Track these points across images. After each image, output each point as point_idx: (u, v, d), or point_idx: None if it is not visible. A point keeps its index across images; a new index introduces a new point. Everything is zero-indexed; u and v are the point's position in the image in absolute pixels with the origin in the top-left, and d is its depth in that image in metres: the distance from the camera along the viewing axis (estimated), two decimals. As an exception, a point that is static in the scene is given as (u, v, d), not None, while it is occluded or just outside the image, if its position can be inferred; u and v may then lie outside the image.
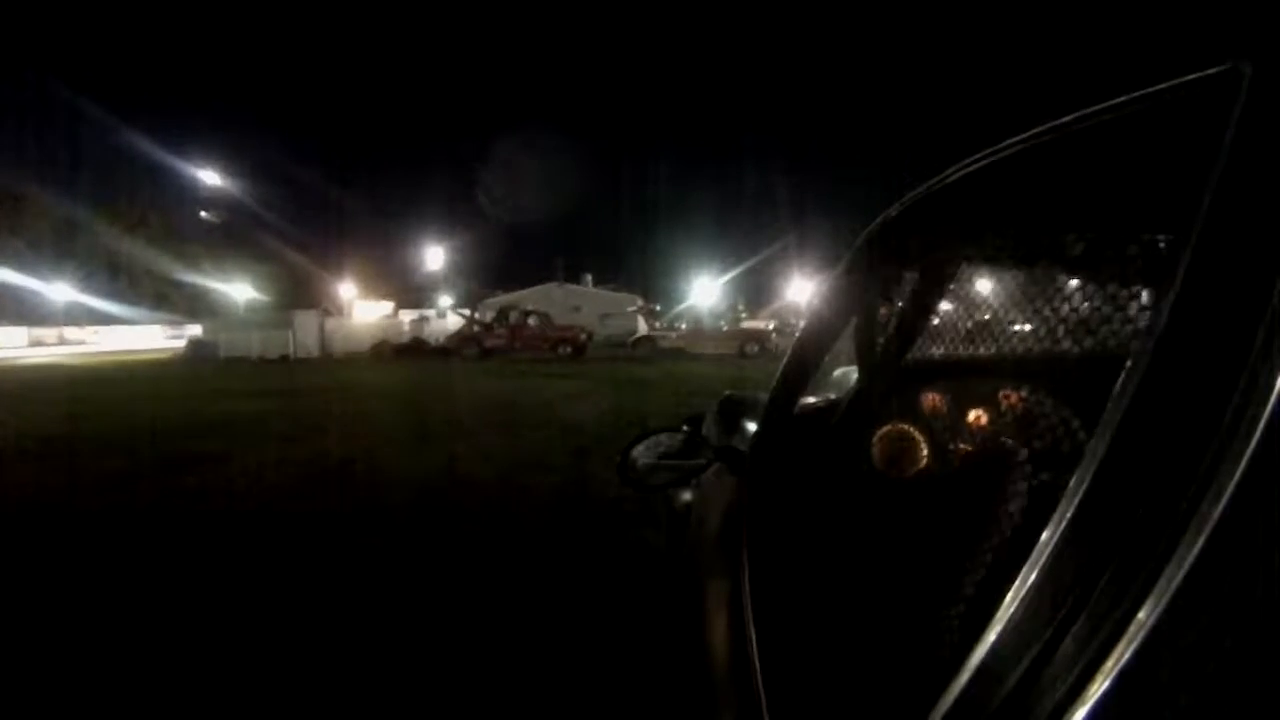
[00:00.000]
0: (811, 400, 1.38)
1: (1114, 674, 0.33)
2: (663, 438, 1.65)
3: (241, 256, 28.41)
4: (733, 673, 0.88)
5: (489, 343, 18.77)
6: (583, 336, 19.12)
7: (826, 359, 1.24)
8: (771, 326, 24.43)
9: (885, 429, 1.01)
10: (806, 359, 1.21)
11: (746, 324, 26.54)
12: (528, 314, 19.80)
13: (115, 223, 28.38)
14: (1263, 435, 0.33)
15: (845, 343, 1.23)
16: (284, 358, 19.23)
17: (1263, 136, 0.39)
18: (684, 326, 23.12)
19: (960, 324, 0.96)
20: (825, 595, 0.87)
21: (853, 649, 0.74)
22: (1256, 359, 0.35)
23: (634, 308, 23.79)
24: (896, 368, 1.10)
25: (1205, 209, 0.39)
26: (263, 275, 27.84)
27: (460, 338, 19.61)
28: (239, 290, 26.72)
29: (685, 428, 2.00)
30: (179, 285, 27.35)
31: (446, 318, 23.58)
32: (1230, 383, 0.35)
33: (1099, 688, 0.34)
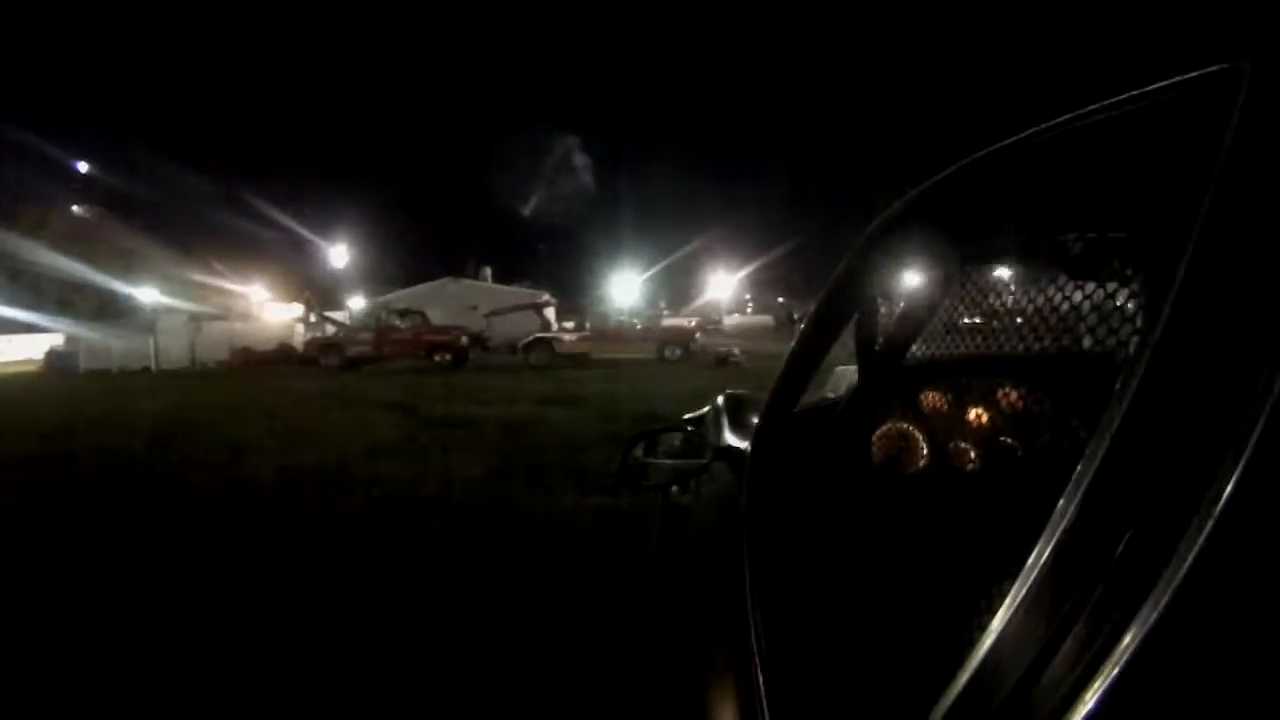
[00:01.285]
0: (811, 400, 1.38)
1: (1114, 674, 0.33)
2: (663, 437, 1.65)
3: (153, 259, 25.96)
4: (733, 672, 0.88)
5: (353, 350, 15.90)
6: (463, 340, 16.37)
7: (826, 359, 1.24)
8: (694, 324, 21.08)
9: (885, 428, 1.01)
10: (807, 359, 1.21)
11: (669, 321, 22.75)
12: (403, 314, 16.98)
13: (14, 226, 25.54)
14: (1262, 435, 0.33)
15: (845, 342, 1.23)
16: (145, 369, 16.80)
17: (1263, 136, 0.39)
18: (588, 326, 19.30)
19: (960, 324, 0.96)
20: (826, 594, 0.87)
21: (854, 648, 0.75)
22: (1256, 359, 0.35)
23: (530, 303, 19.59)
24: (896, 367, 1.10)
25: (1205, 208, 0.38)
26: (171, 279, 24.79)
27: (321, 345, 16.64)
28: (147, 294, 23.54)
29: (686, 426, 2.00)
30: (82, 289, 24.46)
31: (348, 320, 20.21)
32: (1230, 383, 0.35)
33: (1099, 688, 0.34)
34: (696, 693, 1.09)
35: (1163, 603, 0.33)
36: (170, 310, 20.83)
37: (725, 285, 39.50)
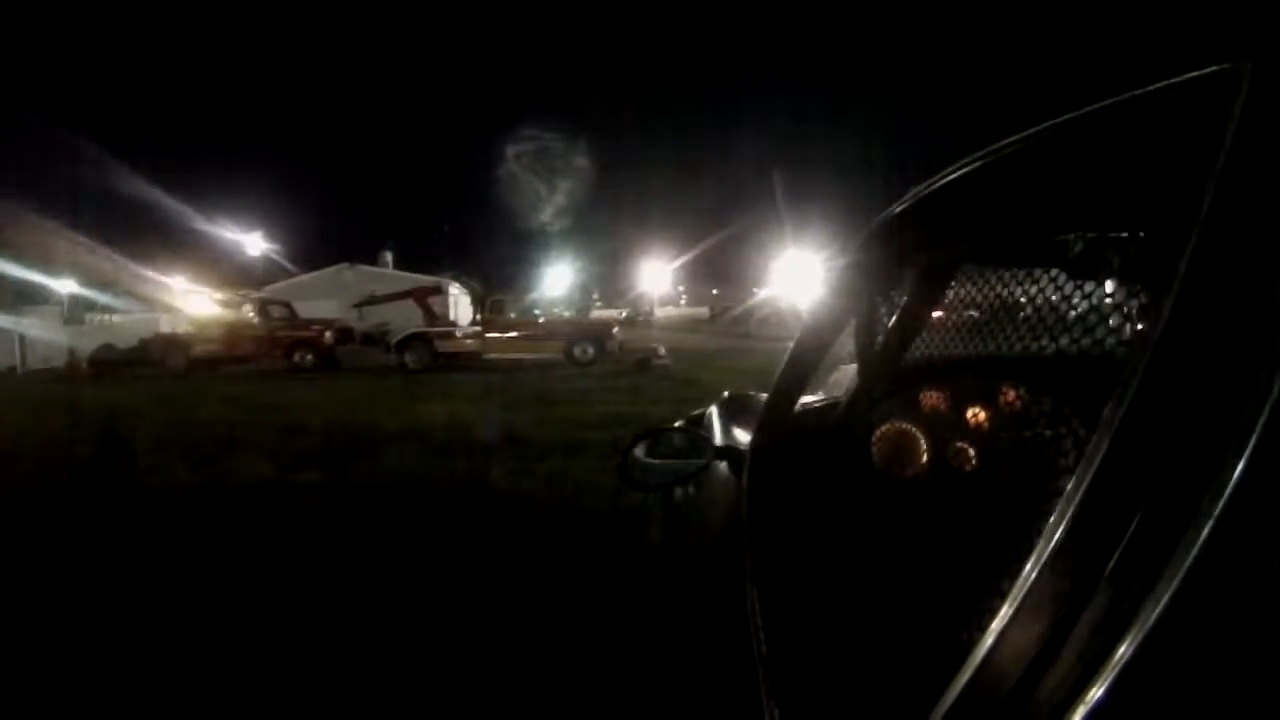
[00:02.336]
0: (811, 400, 1.38)
1: (1114, 674, 0.33)
2: (663, 437, 1.65)
3: (72, 248, 22.56)
4: (735, 671, 0.88)
5: (199, 350, 13.42)
6: (327, 338, 13.72)
7: (826, 359, 1.24)
8: (623, 316, 18.72)
9: (885, 428, 1.01)
10: (806, 359, 1.21)
11: (598, 313, 19.89)
12: (266, 306, 14.47)
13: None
14: (1262, 435, 0.33)
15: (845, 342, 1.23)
16: (12, 369, 14.92)
17: (1263, 136, 0.39)
18: (477, 319, 15.69)
19: (960, 323, 0.96)
20: (826, 594, 0.87)
21: (854, 648, 0.75)
22: (1256, 359, 0.35)
23: (408, 290, 16.23)
24: (896, 367, 1.10)
25: (1205, 208, 0.39)
26: (88, 269, 21.84)
27: (165, 343, 13.95)
28: (64, 285, 21.04)
29: (686, 426, 2.00)
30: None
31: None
32: (1230, 383, 0.35)
33: (1099, 688, 0.34)
34: (699, 693, 1.09)
35: (1163, 603, 0.33)
36: (36, 304, 18.19)
37: (659, 277, 38.18)
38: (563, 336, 13.80)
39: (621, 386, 9.56)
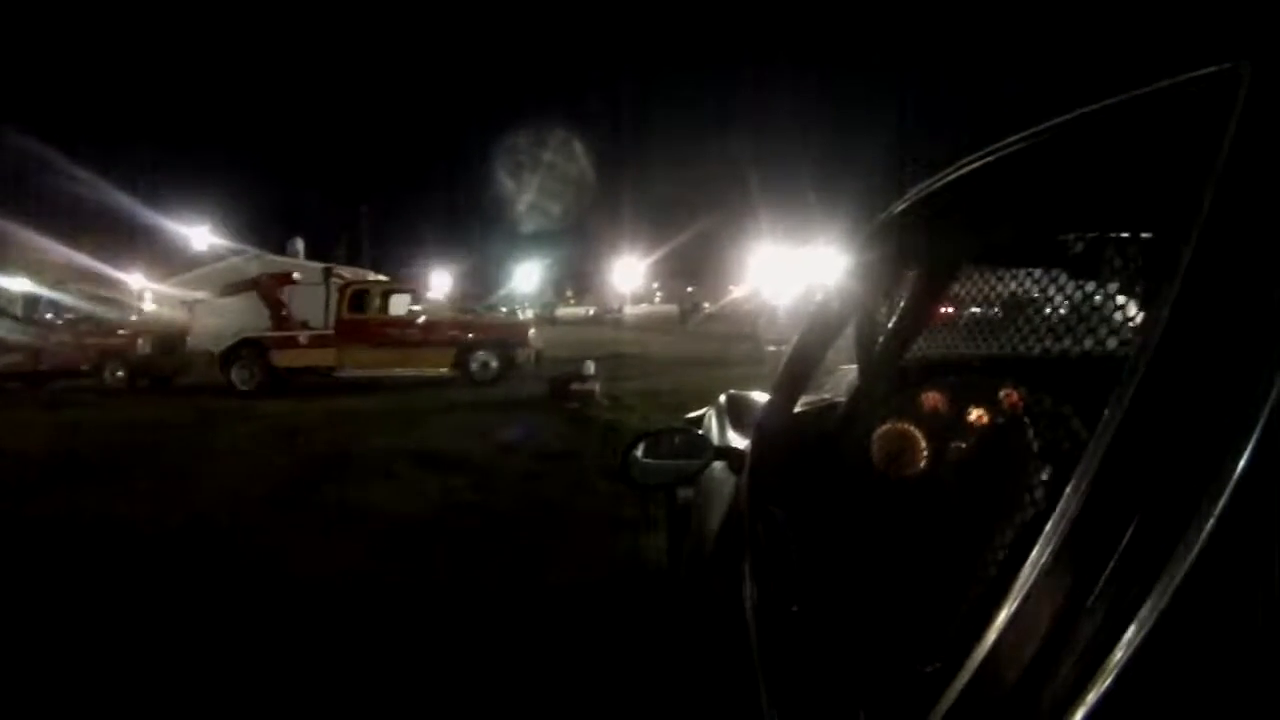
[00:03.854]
0: (811, 400, 1.38)
1: (1114, 674, 0.33)
2: (663, 437, 1.65)
3: (23, 244, 20.31)
4: (734, 671, 0.88)
5: (3, 362, 10.89)
6: (139, 346, 10.92)
7: (826, 359, 1.24)
8: (590, 313, 16.20)
9: (885, 428, 1.01)
10: (807, 359, 1.21)
11: (568, 310, 17.87)
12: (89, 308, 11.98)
13: None
14: (1262, 435, 0.33)
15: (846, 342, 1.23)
16: None
17: (1263, 136, 0.39)
18: (331, 319, 10.84)
19: (960, 324, 0.96)
20: (826, 595, 0.87)
21: (854, 648, 0.75)
22: (1256, 359, 0.35)
23: (253, 281, 11.46)
24: (896, 368, 1.10)
25: (1205, 208, 0.39)
26: (42, 266, 19.06)
27: None
28: (17, 283, 20.23)
29: (686, 426, 2.00)
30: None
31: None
32: (1230, 383, 0.35)
33: (1099, 688, 0.34)
34: (699, 693, 1.10)
35: (1163, 602, 0.33)
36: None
37: (632, 273, 36.87)
38: (452, 345, 10.13)
39: (487, 456, 5.19)
